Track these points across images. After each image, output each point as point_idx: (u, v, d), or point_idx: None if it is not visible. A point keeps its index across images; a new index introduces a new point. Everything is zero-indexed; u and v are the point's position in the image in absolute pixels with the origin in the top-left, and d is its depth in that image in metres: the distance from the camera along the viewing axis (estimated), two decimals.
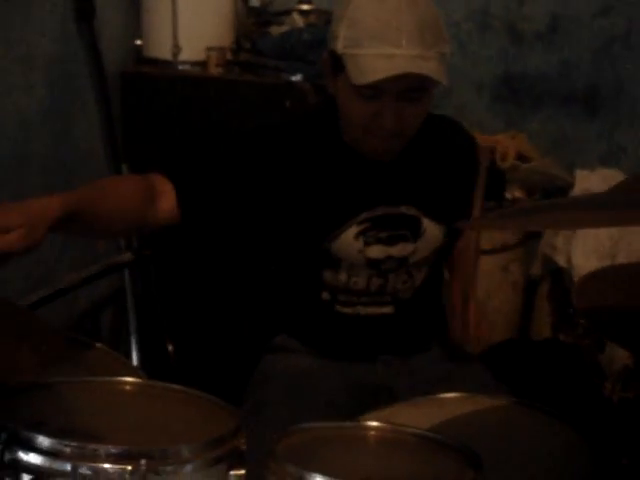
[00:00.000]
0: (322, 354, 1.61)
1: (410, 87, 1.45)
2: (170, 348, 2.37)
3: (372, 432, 1.15)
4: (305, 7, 2.50)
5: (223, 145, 1.58)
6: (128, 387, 1.24)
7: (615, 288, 1.41)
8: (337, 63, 1.48)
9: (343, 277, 1.59)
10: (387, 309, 1.62)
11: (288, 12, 2.49)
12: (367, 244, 1.57)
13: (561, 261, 2.42)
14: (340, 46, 1.46)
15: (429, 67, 1.43)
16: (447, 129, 1.68)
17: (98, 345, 1.55)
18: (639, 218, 0.91)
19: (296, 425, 1.15)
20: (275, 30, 2.43)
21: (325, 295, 1.61)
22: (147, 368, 2.09)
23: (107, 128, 2.35)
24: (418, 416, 1.41)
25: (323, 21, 2.49)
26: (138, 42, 2.49)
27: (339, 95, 1.52)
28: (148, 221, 1.47)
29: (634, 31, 2.57)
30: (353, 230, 1.56)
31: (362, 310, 1.62)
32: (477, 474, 1.05)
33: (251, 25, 2.48)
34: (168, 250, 2.37)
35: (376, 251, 1.57)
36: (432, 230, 1.60)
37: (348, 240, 1.56)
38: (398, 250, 1.58)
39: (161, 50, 2.44)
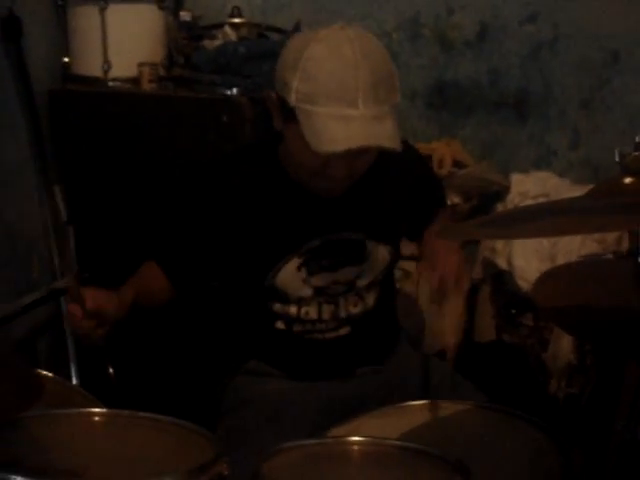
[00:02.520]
0: (295, 377, 1.60)
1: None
2: (111, 372, 2.31)
3: (355, 447, 1.14)
4: (237, 20, 2.48)
5: (180, 208, 1.61)
6: (97, 418, 1.20)
7: (569, 286, 1.44)
8: (288, 112, 1.44)
9: (293, 309, 1.59)
10: (344, 331, 1.62)
11: (220, 26, 2.46)
12: (311, 274, 1.56)
13: (502, 264, 2.46)
14: (293, 98, 1.41)
15: (384, 130, 1.41)
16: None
17: (40, 372, 1.51)
18: (613, 224, 0.93)
19: (278, 446, 1.13)
20: (208, 44, 2.40)
21: (279, 325, 1.61)
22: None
23: (37, 148, 2.28)
24: (385, 426, 1.41)
25: (255, 34, 2.48)
26: (65, 59, 2.43)
27: (287, 139, 1.49)
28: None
29: (560, 37, 2.64)
30: (295, 262, 1.55)
31: (319, 336, 1.61)
32: None
33: (183, 39, 2.44)
34: (108, 273, 2.31)
35: (321, 279, 1.57)
36: (378, 252, 1.60)
37: (291, 273, 1.55)
38: (343, 275, 1.59)
39: (90, 67, 2.39)
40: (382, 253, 1.60)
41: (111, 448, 1.12)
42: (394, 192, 1.63)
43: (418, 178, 1.69)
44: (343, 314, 1.60)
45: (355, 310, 1.61)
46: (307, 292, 1.57)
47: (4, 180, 2.22)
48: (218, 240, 1.55)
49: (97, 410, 1.21)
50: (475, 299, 2.60)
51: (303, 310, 1.58)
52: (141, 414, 1.20)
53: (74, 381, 2.21)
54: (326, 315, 1.59)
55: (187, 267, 1.57)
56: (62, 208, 2.29)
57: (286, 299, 1.57)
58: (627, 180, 0.92)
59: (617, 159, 0.93)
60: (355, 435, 1.22)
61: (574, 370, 2.40)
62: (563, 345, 2.38)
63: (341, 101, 1.38)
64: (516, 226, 0.94)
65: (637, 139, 0.91)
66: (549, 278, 1.48)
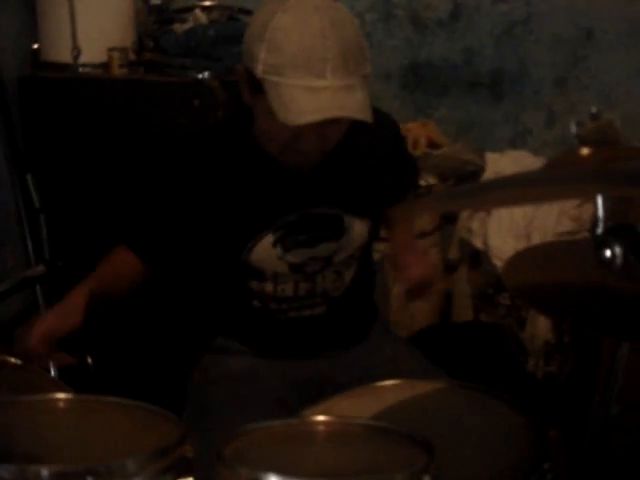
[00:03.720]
0: (263, 354, 1.59)
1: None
2: (89, 360, 2.30)
3: (320, 427, 1.13)
4: (207, 3, 2.45)
5: (153, 186, 1.57)
6: (61, 403, 1.18)
7: (540, 265, 1.44)
8: (255, 84, 1.41)
9: (269, 287, 1.56)
10: (319, 309, 1.61)
11: (190, 9, 2.43)
12: (286, 250, 1.54)
13: (478, 244, 2.46)
14: (260, 70, 1.38)
15: (354, 101, 1.38)
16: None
17: (15, 361, 1.50)
18: (566, 193, 0.92)
19: (242, 427, 1.12)
20: (178, 28, 2.38)
21: (256, 303, 1.59)
22: (66, 382, 2.02)
23: (7, 136, 2.26)
24: (358, 406, 1.40)
25: (226, 17, 2.46)
26: (35, 46, 2.41)
27: (257, 112, 1.47)
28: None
29: (534, 15, 2.63)
30: (270, 238, 1.53)
31: (294, 314, 1.59)
32: (429, 458, 1.05)
33: (153, 24, 2.42)
34: (82, 260, 2.29)
35: (297, 255, 1.55)
36: (356, 226, 1.58)
37: (266, 249, 1.53)
38: (320, 250, 1.56)
39: (60, 53, 2.36)
40: (360, 228, 1.58)
41: (75, 432, 1.11)
42: (369, 165, 1.61)
43: (392, 151, 1.66)
44: (319, 291, 1.59)
45: (332, 287, 1.60)
46: (283, 268, 1.55)
47: None
48: (192, 217, 1.52)
49: (62, 395, 1.20)
50: (452, 280, 2.60)
51: (279, 288, 1.56)
52: (106, 398, 1.19)
53: (52, 369, 2.20)
54: (302, 292, 1.58)
55: (161, 246, 1.54)
56: (35, 196, 2.27)
57: (262, 276, 1.55)
58: (584, 151, 0.91)
59: (573, 131, 0.92)
60: (327, 415, 1.21)
61: (552, 348, 2.40)
62: (540, 324, 2.39)
63: (309, 72, 1.36)
64: (474, 198, 0.93)
65: (593, 110, 0.91)
66: (519, 259, 1.48)
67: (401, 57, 2.73)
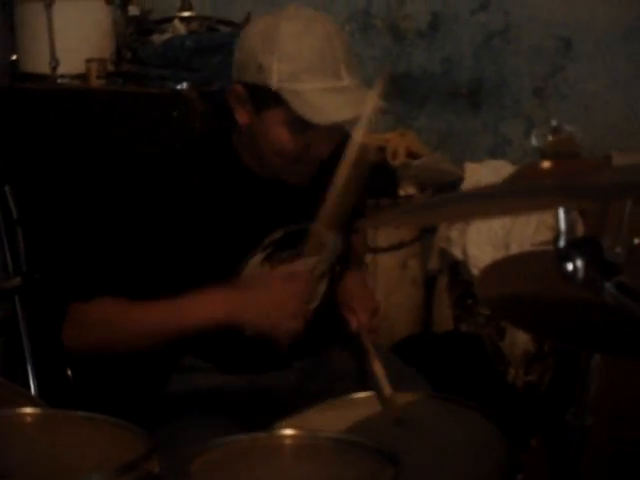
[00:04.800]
0: (229, 371, 1.58)
1: None
2: (69, 373, 2.28)
3: (287, 440, 1.13)
4: (186, 14, 2.45)
5: (135, 214, 1.51)
6: (29, 418, 1.18)
7: (513, 277, 1.44)
8: (265, 98, 1.41)
9: None
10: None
11: (169, 20, 2.43)
12: (272, 267, 1.54)
13: (457, 253, 2.46)
14: (275, 80, 1.39)
15: (371, 95, 1.42)
16: None
17: None
18: (526, 206, 0.92)
19: (209, 442, 1.11)
20: (157, 38, 2.37)
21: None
22: (46, 396, 2.00)
23: None
24: (332, 419, 1.40)
25: (205, 28, 2.46)
26: (13, 57, 2.40)
27: (264, 128, 1.45)
28: None
29: (512, 25, 2.64)
30: (258, 258, 1.52)
31: None
32: (395, 472, 1.05)
33: (131, 34, 2.42)
34: (59, 272, 2.28)
35: (281, 272, 1.55)
36: (332, 241, 1.59)
37: (255, 269, 1.52)
38: (301, 265, 1.56)
39: (38, 64, 2.35)
40: (335, 242, 1.60)
41: (42, 448, 1.10)
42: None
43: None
44: None
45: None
46: None
47: None
48: (179, 243, 1.48)
49: (29, 410, 1.19)
50: (432, 290, 2.60)
51: None
52: (74, 413, 1.18)
53: (31, 383, 2.18)
54: None
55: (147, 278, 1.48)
56: (13, 207, 2.26)
57: None
58: (545, 164, 0.91)
59: (534, 143, 0.92)
60: (300, 428, 1.21)
61: (532, 358, 2.40)
62: (520, 333, 2.39)
63: (326, 74, 1.39)
64: (431, 212, 0.93)
65: (553, 123, 0.91)
66: (493, 270, 1.47)
67: (380, 68, 2.74)
